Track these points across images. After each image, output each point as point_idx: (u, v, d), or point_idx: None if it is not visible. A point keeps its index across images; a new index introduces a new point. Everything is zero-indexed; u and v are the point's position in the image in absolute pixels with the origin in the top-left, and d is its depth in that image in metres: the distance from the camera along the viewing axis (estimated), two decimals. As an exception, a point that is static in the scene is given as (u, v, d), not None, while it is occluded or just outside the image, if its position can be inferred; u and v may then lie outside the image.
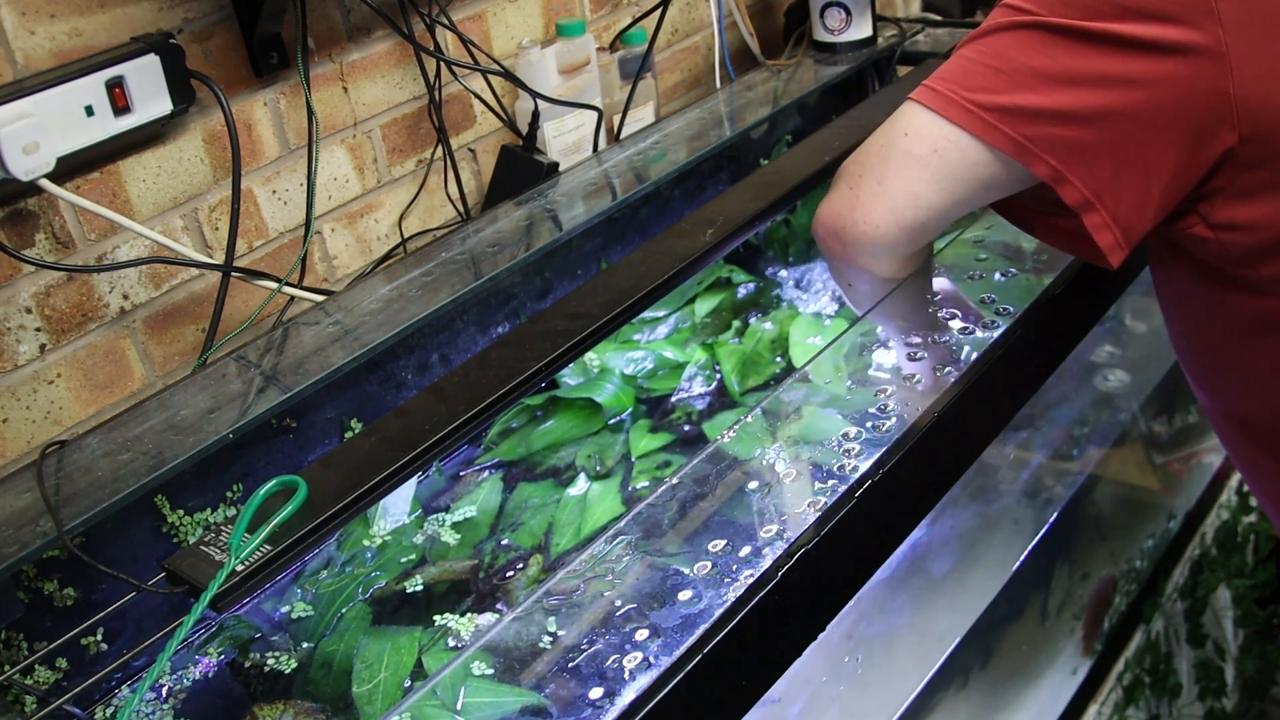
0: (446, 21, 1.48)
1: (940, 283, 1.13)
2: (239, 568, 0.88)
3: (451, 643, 1.07)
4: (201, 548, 0.91)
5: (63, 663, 1.06)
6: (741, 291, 1.58)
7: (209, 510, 1.15)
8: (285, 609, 1.16)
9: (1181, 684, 1.77)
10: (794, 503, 0.88)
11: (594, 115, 1.61)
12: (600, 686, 0.75)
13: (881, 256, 1.00)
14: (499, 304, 1.40)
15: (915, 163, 0.91)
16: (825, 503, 0.87)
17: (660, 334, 1.52)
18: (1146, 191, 0.88)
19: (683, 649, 0.76)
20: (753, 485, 0.90)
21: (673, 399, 1.39)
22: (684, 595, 0.81)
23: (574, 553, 1.14)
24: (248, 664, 1.11)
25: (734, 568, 0.82)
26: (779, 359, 1.43)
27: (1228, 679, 1.87)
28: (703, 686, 0.77)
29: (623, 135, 1.68)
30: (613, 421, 1.36)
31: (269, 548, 0.90)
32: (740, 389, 1.38)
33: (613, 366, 1.43)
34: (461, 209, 1.56)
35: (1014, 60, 0.88)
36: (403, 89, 1.50)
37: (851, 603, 0.92)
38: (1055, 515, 1.43)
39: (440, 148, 1.53)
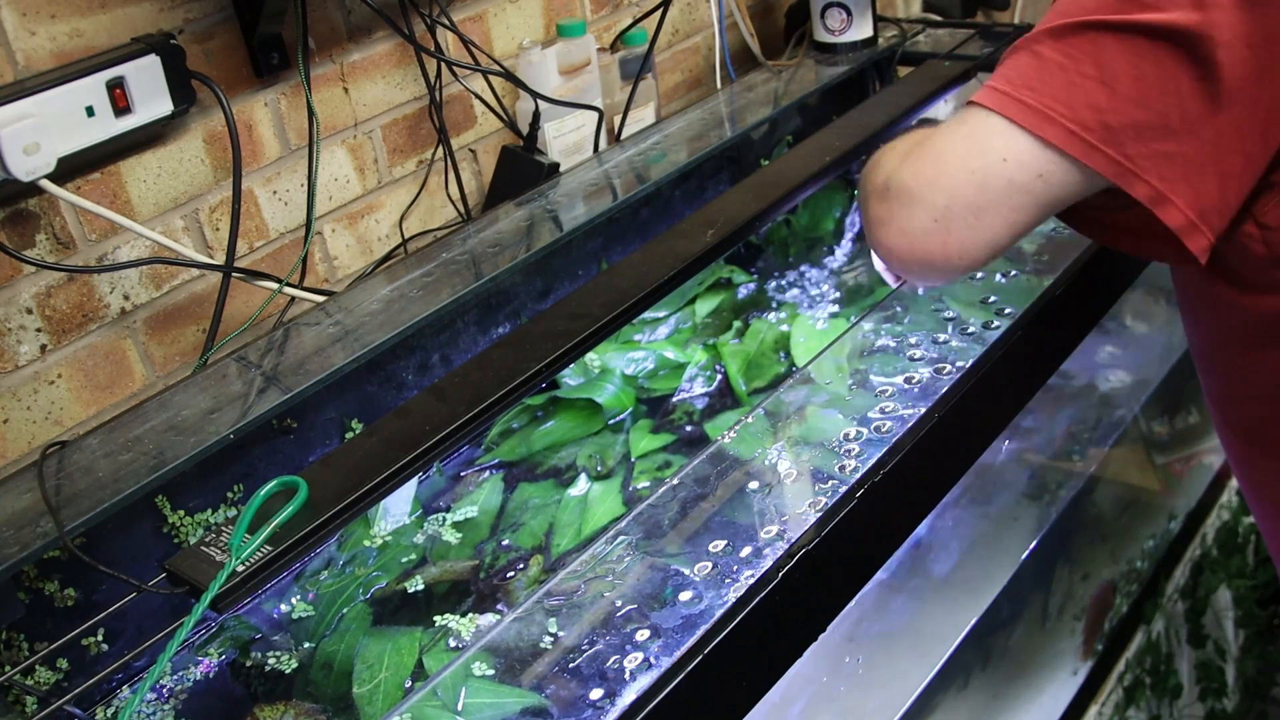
0: (447, 22, 1.48)
1: None
2: (240, 568, 0.88)
3: (452, 643, 1.07)
4: (202, 548, 0.91)
5: (63, 663, 1.06)
6: (742, 292, 1.58)
7: (210, 511, 1.15)
8: (286, 609, 1.16)
9: (1182, 684, 1.77)
10: (795, 503, 0.88)
11: (594, 116, 1.61)
12: (601, 687, 0.75)
13: (963, 276, 0.94)
14: (500, 304, 1.40)
15: (1019, 191, 0.82)
16: (826, 503, 0.87)
17: (661, 334, 1.52)
18: (1242, 192, 0.83)
19: (683, 649, 0.76)
20: (753, 486, 0.90)
21: (673, 399, 1.39)
22: (685, 596, 0.81)
23: (575, 553, 1.14)
24: (248, 664, 1.11)
25: (735, 568, 0.82)
26: (783, 359, 1.43)
27: (1228, 679, 1.87)
28: (703, 687, 0.77)
29: (623, 136, 1.68)
30: (613, 422, 1.36)
31: (269, 548, 0.90)
32: (747, 390, 1.38)
33: (613, 367, 1.43)
34: (462, 209, 1.56)
35: (1117, 71, 0.79)
36: (403, 89, 1.50)
37: (852, 603, 0.92)
38: (1056, 516, 1.44)
39: (441, 148, 1.53)
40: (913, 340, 1.07)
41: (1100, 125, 0.79)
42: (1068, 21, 0.81)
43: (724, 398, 1.39)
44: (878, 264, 1.24)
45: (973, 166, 0.82)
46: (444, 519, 1.24)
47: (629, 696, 0.74)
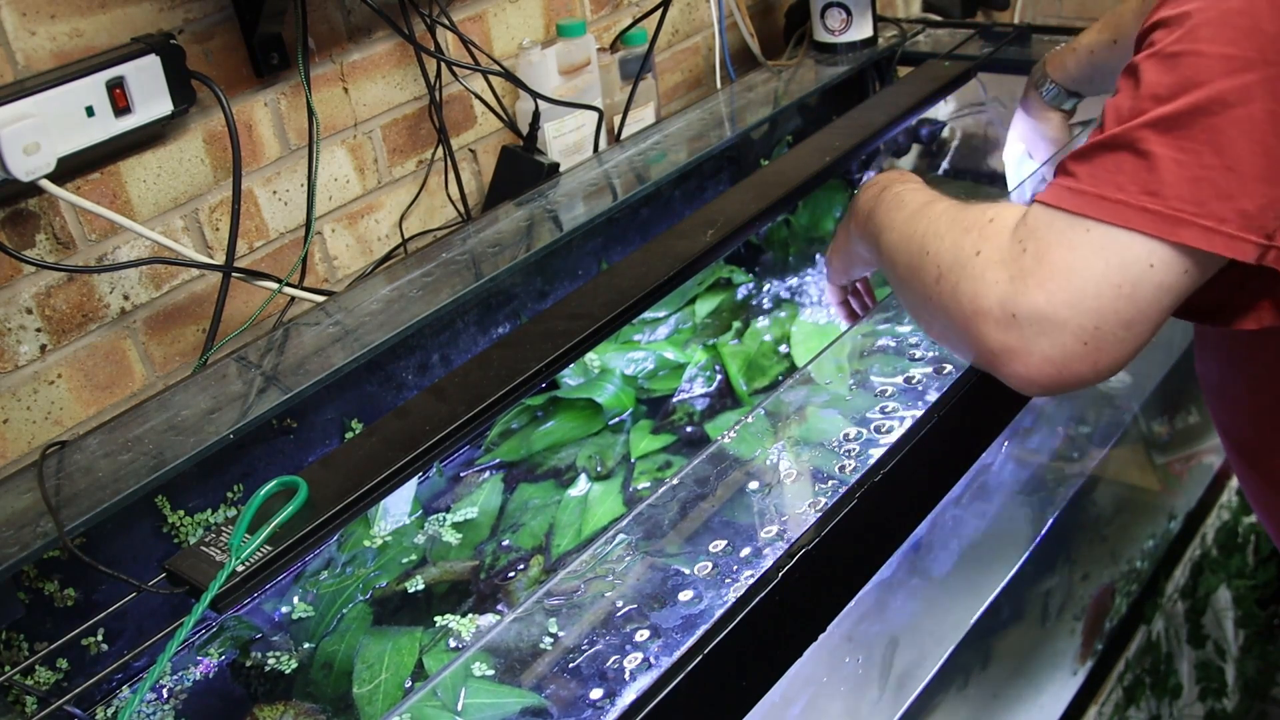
0: (447, 22, 1.48)
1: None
2: (239, 568, 0.88)
3: (452, 643, 1.07)
4: (202, 548, 0.91)
5: (63, 663, 1.06)
6: (742, 292, 1.58)
7: (209, 511, 1.15)
8: (286, 609, 1.16)
9: (1182, 684, 1.78)
10: (795, 503, 0.88)
11: (594, 116, 1.61)
12: (601, 687, 0.75)
13: None
14: (499, 304, 1.40)
15: (1167, 292, 0.77)
16: (826, 503, 0.87)
17: (661, 334, 1.52)
18: None
19: (683, 649, 0.76)
20: (753, 486, 0.90)
21: (673, 399, 1.39)
22: (685, 596, 0.81)
23: (575, 553, 1.14)
24: (248, 664, 1.11)
25: (735, 568, 0.82)
26: (783, 360, 1.43)
27: (1228, 679, 1.87)
28: (703, 687, 0.77)
29: (623, 136, 1.68)
30: (613, 422, 1.36)
31: (269, 548, 0.90)
32: (747, 390, 1.38)
33: (613, 367, 1.43)
34: (462, 209, 1.56)
35: (1240, 152, 0.73)
36: (403, 89, 1.50)
37: (852, 603, 0.92)
38: (1055, 515, 1.43)
39: (441, 148, 1.53)
40: (913, 340, 1.07)
41: (1237, 214, 0.74)
42: (1173, 110, 0.74)
43: (724, 398, 1.39)
44: (831, 300, 1.24)
45: (1117, 281, 0.76)
46: (444, 519, 1.24)
47: (629, 696, 0.74)
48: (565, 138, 1.60)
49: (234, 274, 1.30)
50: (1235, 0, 0.73)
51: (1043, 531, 1.41)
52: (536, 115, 1.54)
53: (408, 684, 1.04)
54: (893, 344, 1.06)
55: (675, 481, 0.92)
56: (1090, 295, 0.76)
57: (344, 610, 1.14)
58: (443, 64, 1.49)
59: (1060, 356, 0.79)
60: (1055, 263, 0.77)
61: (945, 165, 1.91)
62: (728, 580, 0.81)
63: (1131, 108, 0.77)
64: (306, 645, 1.12)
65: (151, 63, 1.19)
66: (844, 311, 1.25)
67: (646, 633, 0.78)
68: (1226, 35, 0.73)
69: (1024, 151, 1.49)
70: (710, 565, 0.83)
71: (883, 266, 1.00)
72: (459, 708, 0.77)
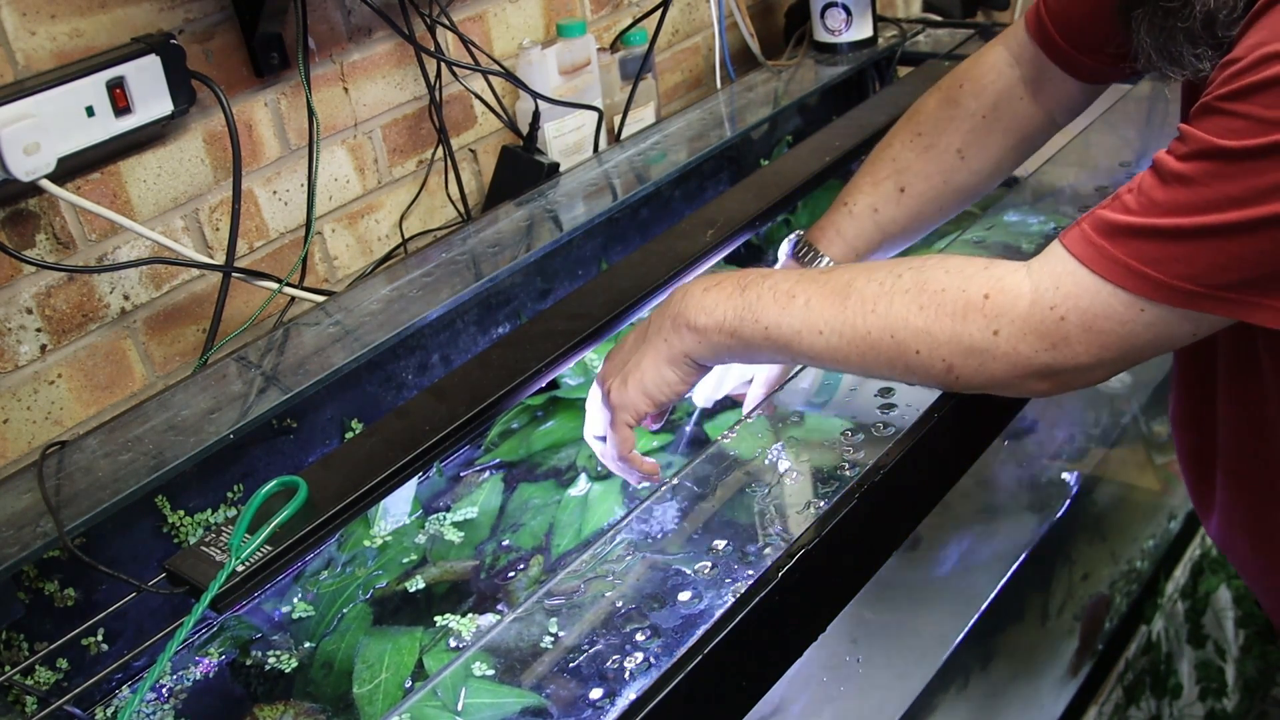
0: (447, 22, 1.48)
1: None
2: (239, 568, 0.88)
3: (452, 643, 1.07)
4: (202, 548, 0.91)
5: (63, 663, 1.06)
6: (742, 292, 1.57)
7: (209, 511, 1.15)
8: (286, 609, 1.16)
9: (1182, 684, 1.77)
10: (795, 503, 0.88)
11: (594, 116, 1.61)
12: (601, 687, 0.75)
13: None
14: (499, 304, 1.40)
15: (1195, 340, 0.82)
16: (826, 503, 0.87)
17: (661, 334, 1.52)
18: None
19: (683, 649, 0.76)
20: (753, 486, 0.90)
21: (673, 399, 1.39)
22: (684, 596, 0.81)
23: (575, 553, 1.14)
24: (248, 664, 1.11)
25: (735, 568, 0.82)
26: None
27: (1228, 679, 1.87)
28: (703, 687, 0.77)
29: (623, 136, 1.68)
30: (613, 422, 1.36)
31: (269, 548, 0.90)
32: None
33: (613, 367, 1.43)
34: (462, 209, 1.57)
35: None
36: (403, 89, 1.50)
37: (852, 603, 0.92)
38: (1055, 515, 1.44)
39: (441, 148, 1.53)
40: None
41: None
42: (1236, 220, 0.73)
43: (724, 397, 1.38)
44: (610, 450, 1.02)
45: (1163, 347, 0.81)
46: (444, 519, 1.24)
47: (629, 697, 0.74)
48: (565, 138, 1.60)
49: (234, 274, 1.30)
50: None
51: (1043, 531, 1.41)
52: (536, 115, 1.54)
53: (408, 684, 1.04)
54: (893, 344, 1.06)
55: (675, 481, 0.92)
56: (1134, 358, 0.82)
57: (344, 610, 1.14)
58: (443, 64, 1.49)
59: (1081, 385, 0.86)
60: (1104, 334, 0.80)
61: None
62: (728, 580, 0.81)
63: (1189, 199, 0.75)
64: (306, 645, 1.12)
65: (151, 63, 1.19)
66: (626, 465, 1.02)
67: (646, 633, 0.78)
68: None
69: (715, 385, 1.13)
70: (710, 565, 0.83)
71: (806, 364, 0.95)
72: (459, 708, 0.77)
